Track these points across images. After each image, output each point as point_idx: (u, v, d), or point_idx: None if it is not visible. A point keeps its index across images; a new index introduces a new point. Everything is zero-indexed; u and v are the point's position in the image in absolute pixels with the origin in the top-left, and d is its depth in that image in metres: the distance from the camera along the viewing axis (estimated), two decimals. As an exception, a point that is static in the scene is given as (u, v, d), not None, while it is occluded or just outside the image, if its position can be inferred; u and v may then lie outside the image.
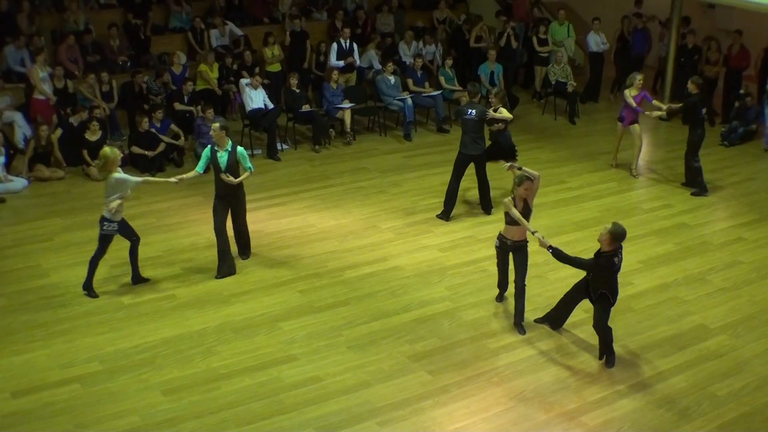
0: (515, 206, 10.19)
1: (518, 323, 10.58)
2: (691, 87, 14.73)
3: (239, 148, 11.69)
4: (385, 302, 11.23)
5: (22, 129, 15.46)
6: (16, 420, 8.79)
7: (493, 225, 13.43)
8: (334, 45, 18.54)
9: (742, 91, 17.77)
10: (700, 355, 10.13)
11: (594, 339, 10.11)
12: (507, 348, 10.21)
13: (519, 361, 9.96)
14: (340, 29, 18.99)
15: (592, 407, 9.17)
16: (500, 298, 11.24)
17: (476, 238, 13.02)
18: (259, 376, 9.60)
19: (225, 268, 11.82)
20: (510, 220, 10.29)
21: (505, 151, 13.87)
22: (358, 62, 18.75)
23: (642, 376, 9.70)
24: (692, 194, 14.79)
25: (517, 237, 10.39)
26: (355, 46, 18.72)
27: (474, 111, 13.19)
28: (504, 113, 13.45)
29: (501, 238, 10.56)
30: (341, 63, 18.35)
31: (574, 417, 9.02)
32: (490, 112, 13.35)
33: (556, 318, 10.59)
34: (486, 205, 13.86)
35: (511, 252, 10.54)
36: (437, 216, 13.63)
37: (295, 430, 8.74)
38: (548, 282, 11.67)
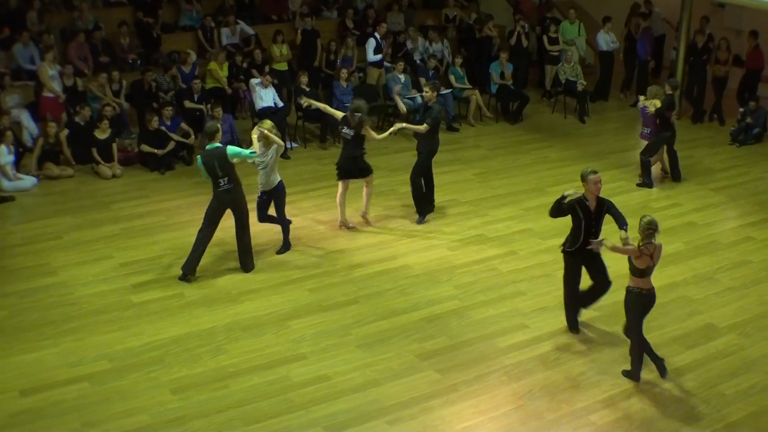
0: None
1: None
2: (667, 88, 14.89)
3: (229, 148, 11.43)
4: (394, 301, 11.23)
5: (27, 128, 15.48)
6: (24, 418, 8.82)
7: (503, 224, 13.47)
8: (372, 40, 18.49)
9: (741, 109, 17.59)
10: (709, 354, 10.11)
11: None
12: (515, 347, 10.20)
13: (527, 360, 9.95)
14: (375, 24, 19.04)
15: (601, 406, 9.16)
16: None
17: (485, 237, 13.01)
18: (267, 374, 9.61)
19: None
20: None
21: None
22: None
23: (650, 374, 9.66)
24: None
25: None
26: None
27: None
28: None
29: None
30: (379, 57, 18.46)
31: (583, 416, 9.01)
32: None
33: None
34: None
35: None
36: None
37: (304, 429, 8.75)
38: (557, 280, 11.64)
